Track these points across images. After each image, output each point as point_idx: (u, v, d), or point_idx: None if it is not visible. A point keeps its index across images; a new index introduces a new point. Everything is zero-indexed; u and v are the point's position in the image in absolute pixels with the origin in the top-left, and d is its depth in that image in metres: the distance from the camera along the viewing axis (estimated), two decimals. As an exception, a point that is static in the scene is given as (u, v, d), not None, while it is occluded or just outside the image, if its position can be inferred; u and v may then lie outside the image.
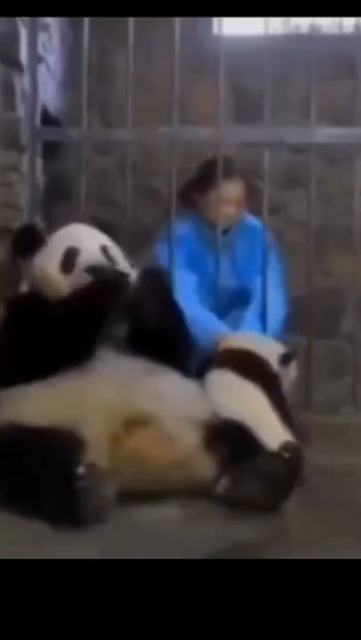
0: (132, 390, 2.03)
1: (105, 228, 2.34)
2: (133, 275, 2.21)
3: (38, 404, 1.99)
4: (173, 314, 2.26)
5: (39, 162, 2.92)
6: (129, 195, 2.87)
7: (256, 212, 3.00)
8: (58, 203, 3.37)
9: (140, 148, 3.37)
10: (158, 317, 2.17)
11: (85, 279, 2.14)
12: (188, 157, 2.91)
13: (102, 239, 2.28)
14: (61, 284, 2.17)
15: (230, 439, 2.01)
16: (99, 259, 2.18)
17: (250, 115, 3.36)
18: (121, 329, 2.17)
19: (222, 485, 1.95)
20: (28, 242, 2.27)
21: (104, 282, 2.11)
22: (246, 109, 3.63)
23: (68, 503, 1.76)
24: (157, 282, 2.25)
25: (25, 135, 2.80)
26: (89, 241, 2.24)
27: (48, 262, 2.21)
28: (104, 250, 2.24)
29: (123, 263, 2.26)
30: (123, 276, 2.15)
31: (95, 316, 2.10)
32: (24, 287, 2.31)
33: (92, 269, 2.14)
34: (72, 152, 3.29)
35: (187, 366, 2.21)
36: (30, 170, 2.83)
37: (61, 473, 1.79)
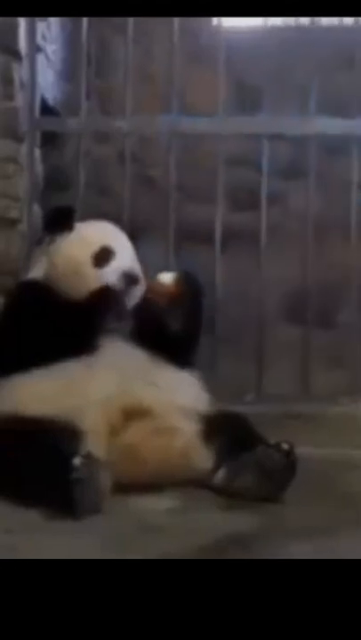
0: (132, 382, 2.03)
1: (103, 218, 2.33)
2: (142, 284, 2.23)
3: (36, 393, 1.99)
4: (200, 317, 2.29)
5: (38, 152, 2.91)
6: (127, 185, 2.86)
7: (254, 204, 2.98)
8: (56, 193, 3.35)
9: (139, 139, 3.35)
10: (190, 321, 2.22)
11: (118, 282, 2.14)
12: (188, 148, 2.90)
13: (132, 251, 2.28)
14: (90, 275, 2.16)
15: (228, 431, 2.01)
16: (135, 268, 2.20)
17: (249, 105, 3.34)
18: (127, 323, 2.17)
19: (220, 477, 1.96)
20: (61, 222, 2.24)
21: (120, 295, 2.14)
22: (246, 100, 3.61)
23: (64, 494, 1.76)
24: (193, 286, 2.27)
25: (23, 125, 2.78)
26: (124, 247, 2.25)
27: (80, 251, 2.19)
28: (134, 261, 2.25)
29: (142, 277, 2.26)
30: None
31: (103, 316, 2.12)
32: (34, 273, 2.28)
33: (129, 276, 2.15)
34: (71, 142, 3.27)
35: (189, 360, 2.23)
36: (29, 160, 2.82)
37: (58, 463, 1.79)
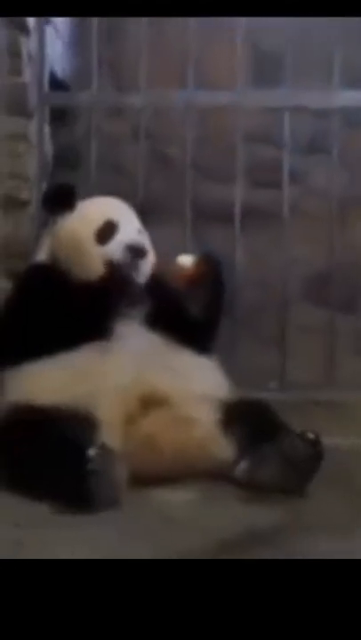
0: (149, 369, 2.03)
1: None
2: (151, 258, 2.23)
3: (49, 382, 1.99)
4: (221, 301, 2.30)
5: (47, 129, 2.89)
6: (141, 163, 2.84)
7: (276, 181, 2.95)
8: (67, 172, 3.33)
9: (154, 114, 3.32)
10: (211, 305, 2.24)
11: (122, 255, 2.14)
12: (205, 123, 2.87)
13: (137, 222, 2.29)
14: (93, 253, 2.16)
15: (250, 419, 2.00)
16: (139, 240, 2.20)
17: (270, 78, 3.30)
18: (142, 306, 2.17)
19: (242, 468, 1.95)
20: (61, 201, 2.24)
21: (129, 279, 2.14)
22: (266, 72, 3.56)
23: (79, 486, 1.76)
24: (214, 267, 2.28)
25: (32, 101, 2.77)
26: (129, 221, 2.25)
27: (83, 228, 2.20)
28: (140, 233, 2.26)
29: (150, 250, 2.26)
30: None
31: (116, 299, 2.11)
32: (41, 255, 2.28)
33: (133, 249, 2.15)
34: (82, 118, 3.25)
35: (208, 346, 2.23)
36: (38, 137, 2.81)
37: (73, 455, 1.79)
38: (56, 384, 1.97)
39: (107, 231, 2.19)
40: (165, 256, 2.35)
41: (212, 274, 2.27)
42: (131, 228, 2.23)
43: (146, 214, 2.39)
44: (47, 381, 1.99)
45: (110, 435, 1.89)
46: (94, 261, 2.15)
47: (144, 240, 2.25)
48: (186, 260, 2.29)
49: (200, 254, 2.31)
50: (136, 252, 2.16)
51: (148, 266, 2.22)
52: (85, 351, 2.04)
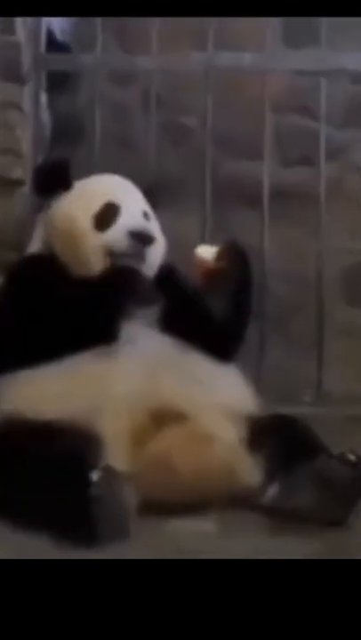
0: (162, 377, 2.04)
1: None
2: (161, 246, 2.24)
3: (45, 392, 2.00)
4: (248, 299, 2.31)
5: (43, 97, 2.91)
6: (154, 136, 2.85)
7: (310, 157, 2.96)
8: (67, 146, 3.34)
9: (168, 78, 3.32)
10: (234, 303, 2.25)
11: (125, 243, 2.16)
12: (227, 90, 2.88)
13: (144, 204, 2.31)
14: (91, 241, 2.18)
15: (280, 437, 2.00)
16: (144, 225, 2.21)
17: (302, 37, 3.30)
18: (153, 304, 2.18)
19: (271, 495, 1.95)
20: (54, 180, 2.26)
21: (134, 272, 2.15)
22: (298, 31, 3.57)
23: (80, 515, 1.76)
24: (240, 259, 2.28)
25: (26, 64, 2.79)
26: (133, 202, 2.26)
27: (79, 212, 2.21)
28: (146, 216, 2.27)
29: (159, 237, 2.28)
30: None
31: (123, 296, 2.12)
32: (34, 245, 2.29)
33: (137, 235, 2.17)
34: (84, 84, 3.26)
35: (232, 352, 2.24)
36: (33, 106, 2.83)
37: (72, 478, 1.78)
38: (53, 395, 1.98)
39: (106, 215, 2.20)
40: (181, 246, 2.35)
41: (236, 267, 2.27)
42: (135, 211, 2.24)
43: (158, 196, 2.40)
44: (43, 392, 1.99)
45: (116, 455, 1.89)
46: (93, 251, 2.17)
47: (152, 225, 2.25)
48: (205, 251, 2.30)
49: (222, 244, 2.31)
50: (141, 238, 2.17)
51: (157, 256, 2.22)
52: (87, 357, 2.05)
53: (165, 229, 2.35)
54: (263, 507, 1.94)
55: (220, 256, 2.28)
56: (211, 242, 2.47)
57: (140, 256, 2.18)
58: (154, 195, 2.37)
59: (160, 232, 2.30)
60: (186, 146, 3.61)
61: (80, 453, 1.84)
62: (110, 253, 2.17)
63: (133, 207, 2.25)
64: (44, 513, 1.80)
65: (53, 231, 2.24)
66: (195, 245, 2.36)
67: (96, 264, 2.17)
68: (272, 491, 1.94)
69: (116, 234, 2.18)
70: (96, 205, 2.21)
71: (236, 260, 2.28)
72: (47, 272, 2.18)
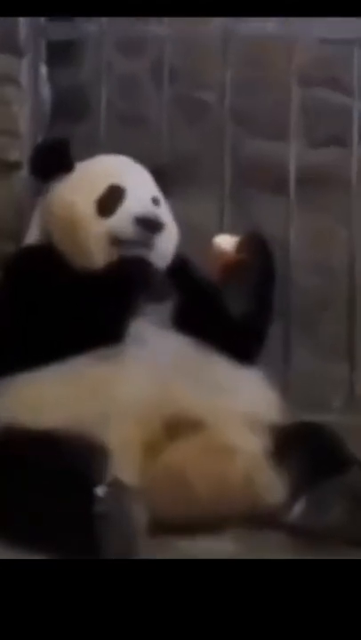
0: (175, 382, 2.05)
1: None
2: (173, 235, 2.25)
3: (47, 398, 2.01)
4: (271, 296, 2.31)
5: (44, 69, 2.91)
6: (166, 112, 2.85)
7: (341, 137, 2.96)
8: (69, 124, 3.36)
9: (182, 47, 3.33)
10: (257, 300, 2.26)
11: (130, 230, 2.18)
12: (249, 60, 2.88)
13: (153, 188, 2.32)
14: (93, 227, 2.20)
15: (308, 449, 2.01)
16: (153, 210, 2.22)
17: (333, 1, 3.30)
18: (166, 300, 2.19)
19: (297, 512, 1.96)
20: (54, 162, 2.28)
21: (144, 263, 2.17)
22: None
23: (84, 534, 1.78)
24: (262, 251, 2.29)
25: (24, 33, 2.79)
26: (140, 185, 2.28)
27: (79, 196, 2.23)
28: (155, 202, 2.28)
29: (171, 224, 2.30)
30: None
31: (132, 292, 2.14)
32: (31, 235, 2.31)
33: (144, 221, 2.18)
34: (88, 54, 3.27)
35: (254, 354, 2.25)
36: (32, 81, 2.83)
37: (76, 493, 1.80)
38: (55, 401, 2.00)
39: (110, 199, 2.22)
40: (197, 235, 2.36)
41: (258, 259, 2.28)
42: (142, 195, 2.25)
43: (171, 179, 2.41)
44: (43, 397, 2.01)
45: (125, 467, 1.90)
46: (95, 239, 2.19)
47: (161, 211, 2.27)
48: (224, 241, 2.31)
49: (243, 233, 2.32)
50: (148, 225, 2.19)
51: (169, 246, 2.24)
52: (92, 359, 2.06)
53: (179, 216, 2.36)
54: (288, 525, 1.95)
55: (240, 247, 2.29)
56: (230, 231, 2.47)
57: (148, 244, 2.19)
58: (166, 178, 2.39)
59: (172, 219, 2.32)
60: (202, 123, 3.61)
61: (84, 466, 1.85)
62: (114, 241, 2.19)
63: (141, 191, 2.26)
64: (44, 531, 1.82)
65: (51, 218, 2.26)
66: (212, 235, 2.37)
67: (99, 254, 2.19)
68: (298, 508, 1.95)
69: (121, 220, 2.19)
70: (99, 189, 2.23)
71: (259, 251, 2.29)
72: (46, 265, 2.20)
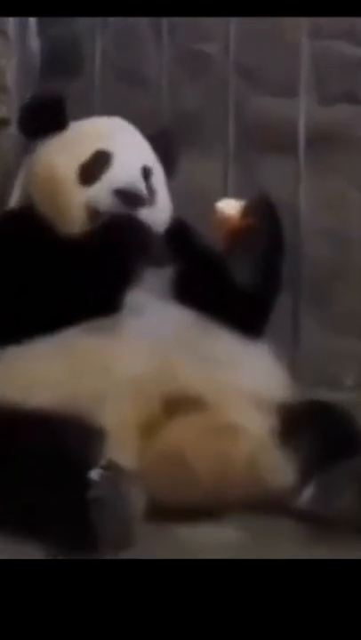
0: (176, 357, 2.05)
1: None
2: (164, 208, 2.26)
3: (37, 374, 2.01)
4: (278, 265, 2.31)
5: (33, 20, 2.90)
6: (166, 67, 2.84)
7: (355, 93, 2.95)
8: (62, 79, 3.35)
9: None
10: (263, 270, 2.25)
11: (109, 202, 2.18)
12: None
13: (147, 156, 2.32)
14: (74, 194, 2.20)
15: (317, 429, 2.01)
16: (137, 183, 2.21)
17: None
18: (164, 269, 2.19)
19: (306, 497, 1.96)
20: (46, 119, 2.28)
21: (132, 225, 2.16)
22: None
23: (78, 520, 1.78)
24: (270, 217, 2.28)
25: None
26: (131, 152, 2.27)
27: (65, 159, 2.23)
28: (146, 173, 2.28)
29: (164, 197, 2.30)
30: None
31: (127, 254, 2.14)
32: (14, 197, 2.32)
33: (123, 194, 2.18)
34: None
35: (260, 327, 2.25)
36: (20, 32, 2.82)
37: (69, 477, 1.81)
38: (46, 378, 2.00)
39: (95, 166, 2.22)
40: (199, 199, 2.36)
41: (265, 225, 2.27)
42: (130, 164, 2.25)
43: (172, 140, 2.40)
44: (33, 374, 2.01)
45: (121, 449, 1.90)
46: (74, 208, 2.19)
47: (152, 183, 2.27)
48: (229, 206, 2.30)
49: (249, 197, 2.31)
50: (127, 198, 2.18)
51: (157, 222, 2.22)
52: (85, 332, 2.06)
53: (180, 179, 2.36)
54: (297, 511, 1.96)
55: (246, 212, 2.28)
56: (234, 195, 2.47)
57: (129, 219, 2.18)
58: (170, 139, 2.38)
59: (165, 191, 2.31)
60: (205, 79, 3.60)
61: (78, 447, 1.85)
62: (93, 213, 2.19)
63: (130, 159, 2.26)
64: (36, 518, 1.83)
65: (33, 179, 2.27)
66: (215, 199, 2.36)
67: (77, 222, 2.19)
68: (307, 492, 1.95)
69: (101, 190, 2.19)
70: (85, 153, 2.23)
71: (266, 216, 2.28)
72: (29, 230, 2.20)
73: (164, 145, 2.37)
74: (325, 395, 2.22)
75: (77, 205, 2.19)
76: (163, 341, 2.07)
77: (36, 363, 2.03)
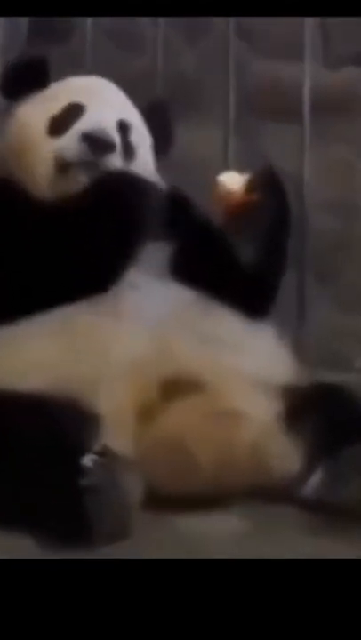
0: (175, 337, 2.06)
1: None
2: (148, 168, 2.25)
3: (28, 356, 2.02)
4: (284, 241, 2.31)
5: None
6: (162, 30, 2.84)
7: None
8: (49, 43, 3.35)
9: None
10: (268, 246, 2.25)
11: (75, 148, 2.18)
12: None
13: (126, 112, 2.32)
14: (42, 146, 2.21)
15: (325, 413, 2.02)
16: (107, 130, 2.20)
17: None
18: (162, 244, 2.19)
19: (312, 484, 1.97)
20: (27, 80, 2.29)
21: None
22: None
23: (71, 510, 1.79)
24: (277, 191, 2.29)
25: None
26: (106, 105, 2.27)
27: (36, 115, 2.25)
28: (123, 128, 2.27)
29: (144, 156, 2.30)
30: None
31: (134, 218, 2.13)
32: None
33: (91, 138, 2.17)
34: None
35: (265, 307, 2.26)
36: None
37: (61, 463, 1.81)
38: (37, 359, 2.00)
39: (65, 118, 2.23)
40: (197, 170, 2.36)
41: (271, 200, 2.27)
42: (102, 114, 2.24)
43: (168, 108, 2.40)
44: (24, 355, 2.02)
45: (117, 434, 1.91)
46: (41, 161, 2.20)
47: (131, 137, 2.26)
48: (232, 180, 2.30)
49: (252, 169, 2.31)
50: (94, 143, 2.17)
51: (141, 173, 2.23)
52: (80, 311, 2.07)
53: (177, 149, 2.36)
54: (303, 500, 1.96)
55: (250, 186, 2.28)
56: (235, 165, 2.47)
57: (94, 167, 2.18)
58: (162, 109, 2.38)
59: (150, 153, 2.32)
60: (203, 41, 3.61)
61: (71, 432, 1.86)
62: (61, 165, 2.19)
63: (104, 111, 2.25)
64: (26, 507, 1.83)
65: (8, 141, 2.29)
66: (214, 170, 2.36)
67: (43, 178, 2.20)
68: (314, 479, 1.96)
69: (69, 138, 2.20)
70: (58, 107, 2.25)
71: (272, 191, 2.28)
72: (10, 200, 2.20)
73: (160, 114, 2.38)
74: (333, 377, 2.22)
75: (45, 157, 2.20)
76: (161, 321, 2.07)
77: (29, 344, 2.03)
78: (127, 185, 2.16)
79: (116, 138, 2.22)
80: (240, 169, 2.36)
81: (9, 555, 1.65)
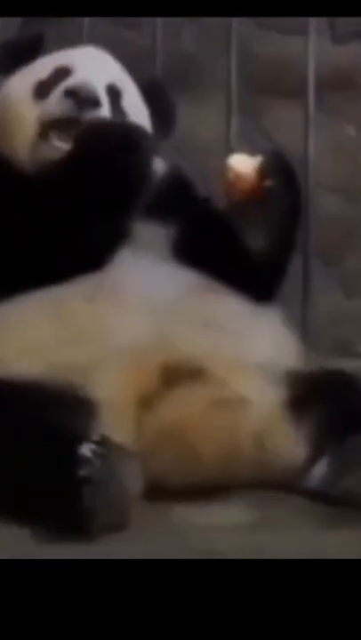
0: (176, 324, 2.06)
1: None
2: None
3: (22, 341, 2.02)
4: (293, 225, 2.31)
5: None
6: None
7: None
8: (46, 20, 3.34)
9: None
10: (274, 232, 2.25)
11: (58, 104, 2.18)
12: None
13: (122, 81, 2.31)
14: (27, 110, 2.21)
15: (330, 400, 2.03)
16: (91, 86, 2.20)
17: None
18: (162, 225, 2.18)
19: (317, 474, 1.97)
20: (22, 57, 2.30)
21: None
22: None
23: (68, 500, 1.78)
24: (288, 177, 2.28)
25: None
26: (95, 69, 2.26)
27: (21, 81, 2.26)
28: (112, 92, 2.26)
29: (137, 119, 2.29)
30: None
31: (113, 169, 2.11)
32: None
33: (76, 95, 2.17)
34: None
35: (270, 291, 2.26)
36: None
37: (58, 453, 1.81)
38: (33, 344, 2.01)
39: (52, 80, 2.23)
40: (199, 150, 2.35)
41: (282, 186, 2.26)
42: (90, 75, 2.24)
43: (167, 87, 2.40)
44: (18, 340, 2.02)
45: (115, 423, 1.91)
46: (27, 127, 2.20)
47: (122, 102, 2.26)
48: (243, 163, 2.27)
49: (263, 154, 2.28)
50: (78, 98, 2.17)
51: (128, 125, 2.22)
52: (78, 294, 2.07)
53: (177, 129, 2.35)
54: (308, 490, 1.97)
55: (262, 172, 2.24)
56: (238, 146, 2.46)
57: (77, 125, 2.17)
58: (161, 88, 2.38)
59: (145, 121, 2.30)
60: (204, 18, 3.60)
61: (68, 421, 1.86)
62: (44, 128, 2.19)
63: (92, 72, 2.25)
64: (22, 498, 1.83)
65: None
66: (215, 150, 2.36)
67: (26, 146, 2.20)
68: (319, 469, 1.97)
69: (53, 97, 2.20)
70: (44, 72, 2.26)
71: (284, 177, 2.26)
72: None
73: (160, 95, 2.37)
74: (338, 363, 2.22)
75: (29, 124, 2.20)
76: (162, 306, 2.07)
77: (22, 328, 2.04)
78: (113, 133, 2.15)
79: (104, 98, 2.22)
80: (243, 150, 2.35)
81: (9, 554, 1.65)
